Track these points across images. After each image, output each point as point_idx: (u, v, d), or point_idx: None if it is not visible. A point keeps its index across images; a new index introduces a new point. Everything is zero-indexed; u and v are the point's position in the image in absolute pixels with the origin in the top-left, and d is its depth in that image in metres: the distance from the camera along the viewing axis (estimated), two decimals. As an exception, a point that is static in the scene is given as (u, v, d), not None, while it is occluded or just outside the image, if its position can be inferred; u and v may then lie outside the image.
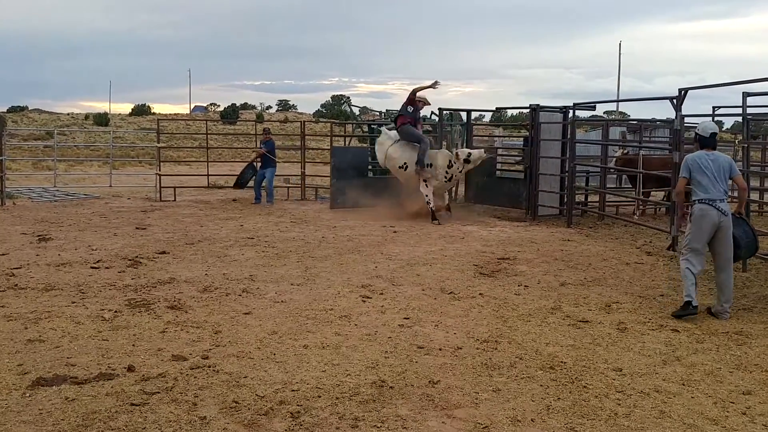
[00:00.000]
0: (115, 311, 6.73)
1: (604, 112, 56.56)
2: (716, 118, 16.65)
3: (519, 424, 4.35)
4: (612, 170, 15.75)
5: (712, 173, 6.92)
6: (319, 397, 4.70)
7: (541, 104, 15.17)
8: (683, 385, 5.09)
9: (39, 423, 4.22)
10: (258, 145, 17.38)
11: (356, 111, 22.45)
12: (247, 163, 17.31)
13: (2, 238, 10.91)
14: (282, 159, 19.09)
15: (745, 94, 9.48)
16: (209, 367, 5.23)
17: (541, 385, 5.01)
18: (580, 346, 5.94)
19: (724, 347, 5.98)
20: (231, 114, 63.11)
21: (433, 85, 13.66)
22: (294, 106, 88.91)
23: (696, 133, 7.30)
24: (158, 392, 4.73)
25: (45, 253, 9.72)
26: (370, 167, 16.55)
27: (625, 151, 15.89)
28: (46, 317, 6.48)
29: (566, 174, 14.31)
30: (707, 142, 7.14)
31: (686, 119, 11.37)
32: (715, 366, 5.49)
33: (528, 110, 16.24)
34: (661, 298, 7.73)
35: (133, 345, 5.74)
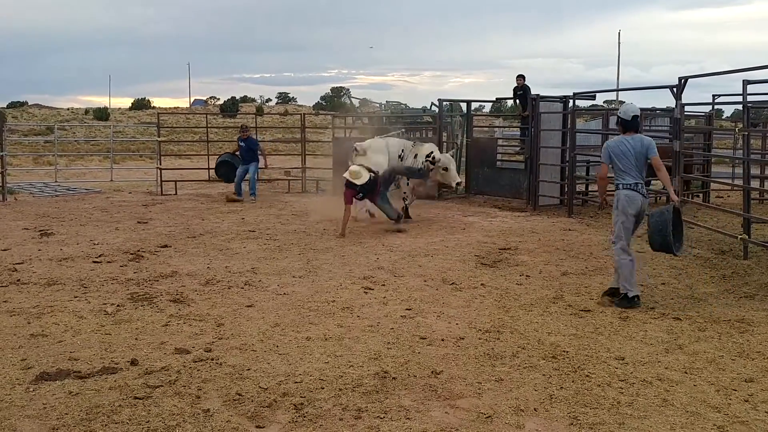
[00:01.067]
0: (118, 305, 6.74)
1: (603, 102, 56.41)
2: (716, 106, 16.66)
3: (522, 414, 4.36)
4: None
5: (634, 157, 6.83)
6: (322, 388, 4.71)
7: (541, 94, 15.15)
8: (685, 373, 5.10)
9: (43, 417, 4.24)
10: (238, 143, 16.53)
11: (356, 103, 22.41)
12: (223, 155, 16.81)
13: (4, 233, 10.92)
14: (282, 152, 19.06)
15: (746, 82, 9.46)
16: (212, 359, 5.24)
17: (544, 375, 5.02)
18: (582, 336, 5.94)
19: (726, 335, 5.98)
20: (231, 107, 63.06)
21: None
22: (294, 99, 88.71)
23: (618, 117, 7.13)
24: (161, 385, 4.74)
25: (47, 248, 9.73)
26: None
27: None
28: (48, 312, 6.49)
29: (567, 164, 14.29)
30: (629, 125, 6.98)
31: (686, 108, 11.34)
32: (717, 354, 5.50)
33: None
34: (663, 286, 7.73)
35: (136, 339, 5.76)
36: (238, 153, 16.53)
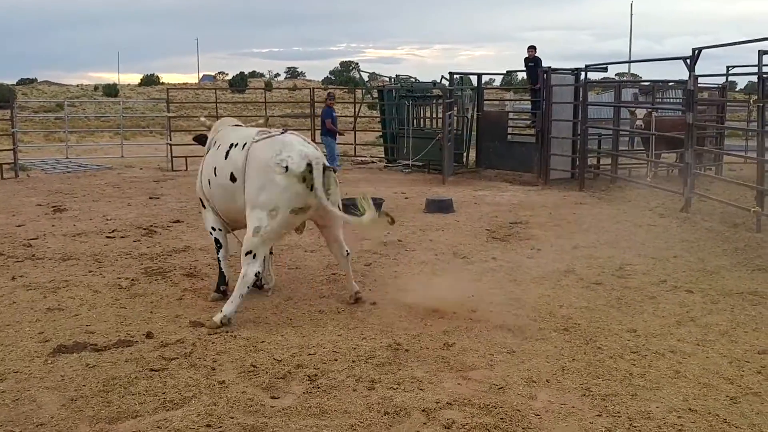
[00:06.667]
0: (132, 279, 6.80)
1: (615, 74, 55.72)
2: (730, 78, 16.47)
3: (534, 385, 4.39)
4: (640, 130, 15.40)
5: None
6: (336, 360, 4.75)
7: (553, 66, 15.00)
8: (698, 345, 5.10)
9: (62, 389, 4.30)
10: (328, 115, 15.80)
11: (365, 77, 22.25)
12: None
13: (18, 209, 11.00)
14: (292, 127, 18.93)
15: (761, 53, 9.33)
16: (226, 332, 5.29)
17: (556, 347, 5.04)
18: (593, 308, 5.95)
19: (739, 307, 5.97)
20: (240, 82, 62.87)
21: None
22: (302, 74, 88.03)
23: None
24: (177, 357, 4.79)
25: (60, 223, 9.81)
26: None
27: (649, 111, 15.59)
28: (64, 286, 6.56)
29: (578, 137, 14.20)
30: None
31: (700, 80, 11.21)
32: (729, 326, 5.50)
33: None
34: (675, 259, 7.70)
35: (151, 312, 5.82)
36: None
